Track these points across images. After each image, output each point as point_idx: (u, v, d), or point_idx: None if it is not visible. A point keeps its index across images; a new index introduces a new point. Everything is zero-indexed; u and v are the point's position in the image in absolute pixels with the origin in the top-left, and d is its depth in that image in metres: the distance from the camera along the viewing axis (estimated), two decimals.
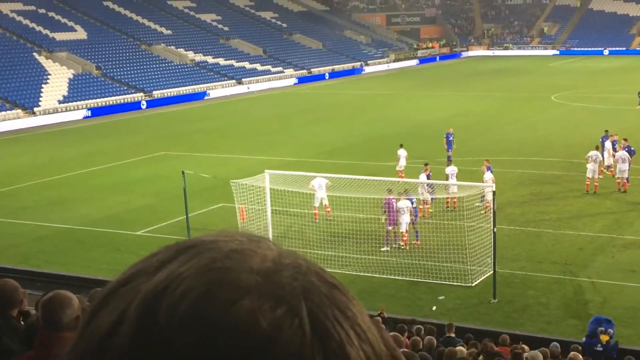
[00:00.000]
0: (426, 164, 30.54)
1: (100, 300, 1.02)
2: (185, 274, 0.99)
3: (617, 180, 32.23)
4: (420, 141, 44.14)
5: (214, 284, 0.98)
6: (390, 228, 25.61)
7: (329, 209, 28.71)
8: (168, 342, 0.95)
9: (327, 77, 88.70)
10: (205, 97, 74.02)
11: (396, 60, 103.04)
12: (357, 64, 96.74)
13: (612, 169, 33.05)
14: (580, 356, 13.74)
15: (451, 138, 38.21)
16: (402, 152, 34.69)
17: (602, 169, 32.90)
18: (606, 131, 35.92)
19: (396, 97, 67.98)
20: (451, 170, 30.73)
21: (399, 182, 28.68)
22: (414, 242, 25.86)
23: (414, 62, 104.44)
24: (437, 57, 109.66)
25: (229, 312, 0.96)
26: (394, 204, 25.45)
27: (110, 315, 0.99)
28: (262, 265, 1.02)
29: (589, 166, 31.61)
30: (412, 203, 26.01)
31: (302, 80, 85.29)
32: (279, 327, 0.96)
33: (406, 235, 25.83)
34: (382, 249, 25.39)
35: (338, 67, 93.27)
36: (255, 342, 0.95)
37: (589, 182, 31.68)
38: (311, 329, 0.97)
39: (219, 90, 76.37)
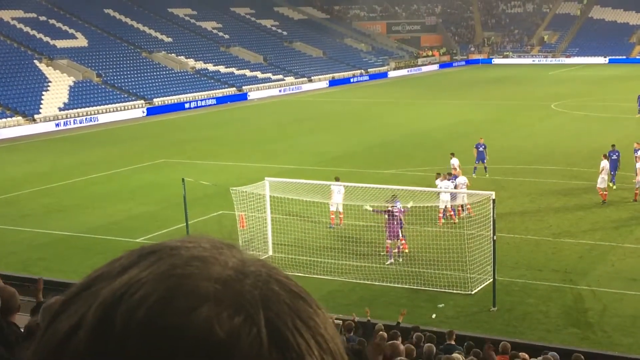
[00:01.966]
0: (438, 174, 30.42)
1: (62, 304, 1.03)
2: (144, 280, 1.00)
3: (636, 191, 31.84)
4: (421, 149, 44.21)
5: (172, 291, 0.98)
6: (390, 241, 25.47)
7: (342, 216, 28.76)
8: (124, 348, 0.95)
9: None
10: (204, 105, 74.08)
11: (396, 68, 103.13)
12: (358, 72, 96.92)
13: None
14: None
15: (481, 149, 36.90)
16: (454, 161, 33.93)
17: None
18: (613, 145, 34.25)
19: (397, 105, 68.02)
20: (462, 180, 30.35)
21: (402, 189, 28.63)
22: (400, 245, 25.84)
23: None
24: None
25: (185, 320, 0.96)
26: (393, 216, 25.26)
27: (70, 320, 1.00)
28: (223, 273, 1.02)
29: (602, 176, 31.30)
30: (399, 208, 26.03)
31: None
32: (236, 336, 0.96)
33: (404, 239, 25.82)
34: (387, 263, 25.21)
35: (338, 75, 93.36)
36: (211, 351, 0.95)
37: (603, 193, 31.29)
38: (269, 338, 0.97)
39: (219, 98, 76.45)
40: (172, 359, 0.94)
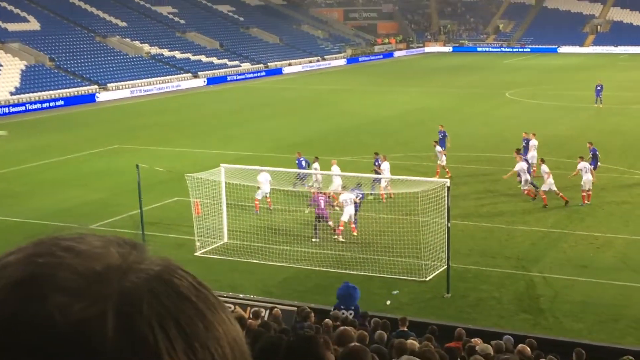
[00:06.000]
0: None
1: None
2: (6, 266, 0.98)
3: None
4: (377, 137, 44.32)
5: (28, 278, 0.96)
6: (331, 224, 26.24)
7: (269, 200, 28.92)
8: None
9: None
10: (160, 90, 73.40)
11: (353, 55, 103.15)
12: (314, 59, 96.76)
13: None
14: (529, 349, 13.88)
15: (441, 136, 37.30)
16: (439, 148, 34.77)
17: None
18: (590, 143, 33.54)
19: (353, 92, 68.07)
20: (386, 166, 31.01)
21: (357, 176, 28.74)
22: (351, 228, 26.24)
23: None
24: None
25: (31, 307, 0.93)
26: (322, 201, 26.12)
27: None
28: (91, 266, 0.98)
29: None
30: (356, 196, 26.29)
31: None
32: (82, 329, 0.92)
33: (343, 225, 25.95)
34: (312, 240, 25.81)
35: (295, 62, 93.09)
36: (52, 341, 0.91)
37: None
38: (124, 335, 0.93)
39: (174, 84, 75.81)
40: (11, 348, 0.91)
